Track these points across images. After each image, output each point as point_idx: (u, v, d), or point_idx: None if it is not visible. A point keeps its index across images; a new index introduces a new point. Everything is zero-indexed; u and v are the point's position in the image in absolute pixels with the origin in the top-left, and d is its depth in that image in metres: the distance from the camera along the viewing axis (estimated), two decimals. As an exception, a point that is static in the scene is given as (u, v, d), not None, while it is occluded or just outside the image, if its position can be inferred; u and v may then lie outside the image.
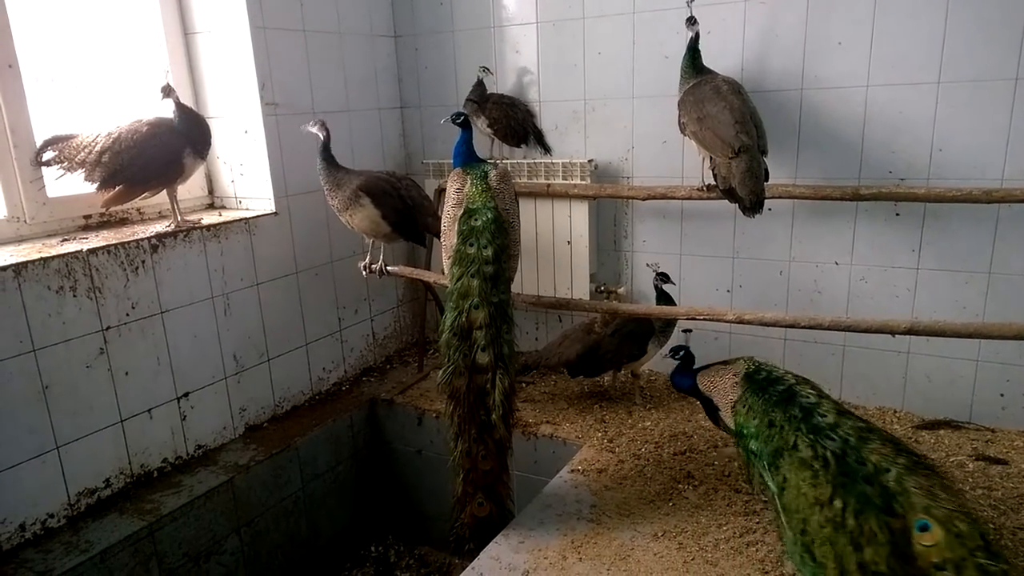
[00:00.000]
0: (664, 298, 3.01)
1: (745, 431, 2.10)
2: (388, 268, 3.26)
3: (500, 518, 2.47)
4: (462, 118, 2.69)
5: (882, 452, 1.78)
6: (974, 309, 2.84)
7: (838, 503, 1.71)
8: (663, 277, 3.00)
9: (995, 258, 2.77)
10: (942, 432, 2.89)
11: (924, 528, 1.59)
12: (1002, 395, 2.88)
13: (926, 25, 2.68)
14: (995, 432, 2.87)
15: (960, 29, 2.64)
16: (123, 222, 3.02)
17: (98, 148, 2.68)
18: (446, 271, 2.57)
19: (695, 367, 2.48)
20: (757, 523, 2.37)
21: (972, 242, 2.79)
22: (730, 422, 2.23)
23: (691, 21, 2.79)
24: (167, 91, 2.81)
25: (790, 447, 1.89)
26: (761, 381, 2.17)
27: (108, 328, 2.62)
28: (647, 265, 3.13)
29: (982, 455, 2.70)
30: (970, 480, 2.55)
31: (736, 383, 2.24)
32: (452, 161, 2.71)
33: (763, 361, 2.30)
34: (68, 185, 2.74)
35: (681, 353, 2.51)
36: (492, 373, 2.34)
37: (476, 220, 2.47)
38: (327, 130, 2.97)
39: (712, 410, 2.37)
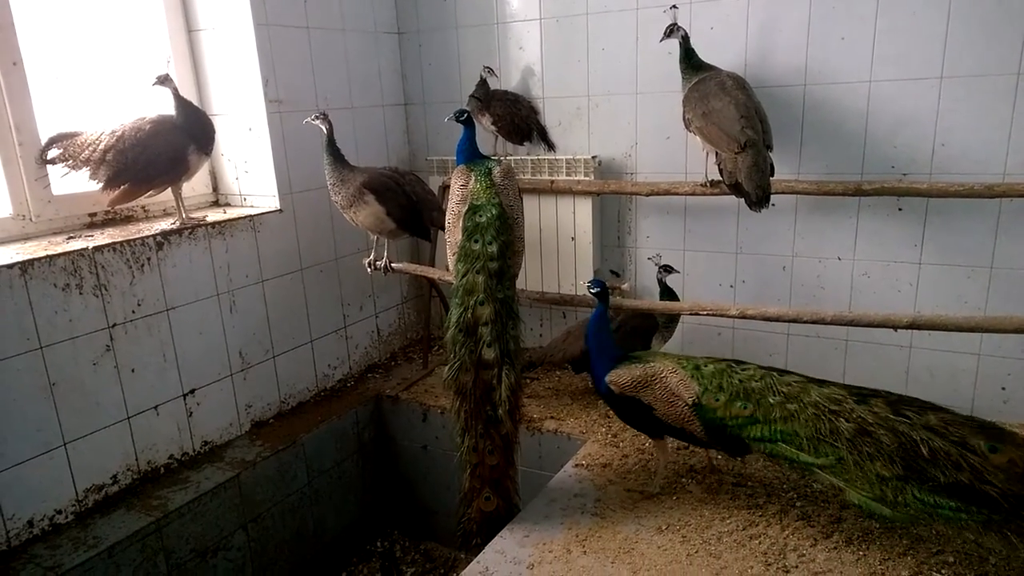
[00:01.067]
0: (668, 293, 3.02)
1: (733, 422, 2.20)
2: (393, 265, 3.27)
3: (507, 512, 2.49)
4: (465, 116, 2.70)
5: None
6: (976, 303, 2.85)
7: (926, 449, 1.92)
8: (667, 269, 3.00)
9: (997, 252, 2.78)
10: (945, 426, 2.91)
11: (994, 449, 1.88)
12: (1003, 388, 2.89)
13: (928, 20, 2.69)
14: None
15: (962, 24, 2.64)
16: (128, 219, 3.03)
17: (102, 146, 2.69)
18: (451, 267, 2.58)
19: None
20: (760, 516, 2.38)
21: (974, 237, 2.80)
22: (686, 421, 2.28)
23: (672, 30, 2.82)
24: (163, 80, 2.80)
25: (836, 422, 2.04)
26: (718, 373, 2.28)
27: (114, 325, 2.63)
28: (649, 259, 3.14)
29: (984, 449, 2.72)
30: (973, 473, 2.56)
31: (683, 380, 2.29)
32: (455, 158, 2.72)
33: (673, 353, 2.44)
34: (73, 183, 2.75)
35: (596, 291, 2.50)
36: (498, 369, 2.35)
37: (481, 216, 2.48)
38: (330, 123, 2.98)
39: (637, 411, 2.39)
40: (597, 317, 2.51)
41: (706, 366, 2.32)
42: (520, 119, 3.44)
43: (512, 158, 3.52)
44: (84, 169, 2.69)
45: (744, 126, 2.54)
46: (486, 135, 3.47)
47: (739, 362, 2.33)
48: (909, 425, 1.97)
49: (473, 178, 2.56)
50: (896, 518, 1.98)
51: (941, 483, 1.89)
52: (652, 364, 2.38)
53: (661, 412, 2.34)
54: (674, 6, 2.85)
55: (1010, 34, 2.58)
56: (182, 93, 2.87)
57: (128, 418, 2.70)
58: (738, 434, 2.20)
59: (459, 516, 2.52)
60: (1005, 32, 2.59)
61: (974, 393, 2.94)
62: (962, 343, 2.90)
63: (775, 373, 2.23)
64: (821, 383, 2.18)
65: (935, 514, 1.91)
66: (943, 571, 2.10)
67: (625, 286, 3.48)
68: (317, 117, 2.98)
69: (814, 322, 2.58)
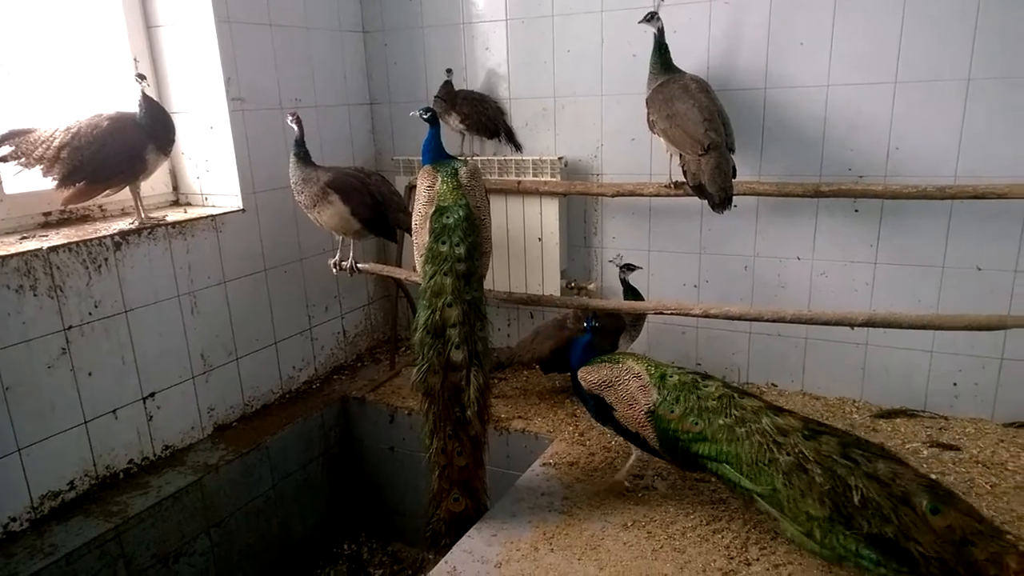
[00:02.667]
0: (632, 293, 3.05)
1: (684, 436, 2.19)
2: (359, 265, 3.25)
3: (476, 513, 2.49)
4: (430, 114, 2.70)
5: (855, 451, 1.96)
6: (929, 302, 2.94)
7: (857, 496, 1.85)
8: (629, 267, 3.04)
9: (948, 253, 2.87)
10: (898, 420, 3.00)
11: (936, 511, 1.79)
12: (955, 384, 2.99)
13: (884, 26, 2.77)
14: (948, 420, 2.98)
15: (916, 31, 2.73)
16: (85, 219, 2.96)
17: (56, 143, 2.62)
18: (418, 269, 2.57)
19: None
20: (723, 511, 2.42)
21: (927, 237, 2.89)
22: (640, 426, 2.30)
23: (651, 16, 2.82)
24: (141, 78, 2.79)
25: (776, 453, 2.00)
26: (681, 385, 2.26)
27: (70, 327, 2.57)
28: (610, 261, 3.18)
29: (936, 442, 2.80)
30: (925, 466, 2.65)
31: (645, 386, 2.30)
32: (421, 158, 2.71)
33: (650, 359, 2.41)
34: (27, 182, 2.68)
35: (593, 323, 2.57)
36: (467, 370, 2.35)
37: (448, 218, 2.47)
38: (300, 124, 2.95)
39: (601, 410, 2.42)
40: (585, 344, 2.55)
41: (672, 376, 2.30)
42: (487, 117, 3.45)
43: (479, 158, 3.52)
44: (38, 167, 2.62)
45: (707, 129, 2.59)
46: (453, 136, 3.47)
47: (706, 376, 2.32)
48: (849, 469, 1.89)
49: (439, 179, 2.55)
50: (823, 557, 1.92)
51: (864, 532, 1.82)
52: (621, 365, 2.40)
53: (620, 414, 2.36)
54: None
55: (961, 41, 2.67)
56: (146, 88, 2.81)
57: (85, 422, 2.64)
58: (687, 448, 2.20)
59: (428, 517, 2.52)
60: (956, 38, 2.68)
61: (927, 389, 3.04)
62: (916, 340, 2.99)
63: (736, 394, 2.20)
64: (779, 411, 2.12)
65: (858, 563, 1.84)
66: (899, 561, 2.16)
67: (592, 286, 3.51)
68: (290, 118, 2.95)
69: (775, 320, 2.63)
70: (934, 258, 2.90)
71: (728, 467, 2.09)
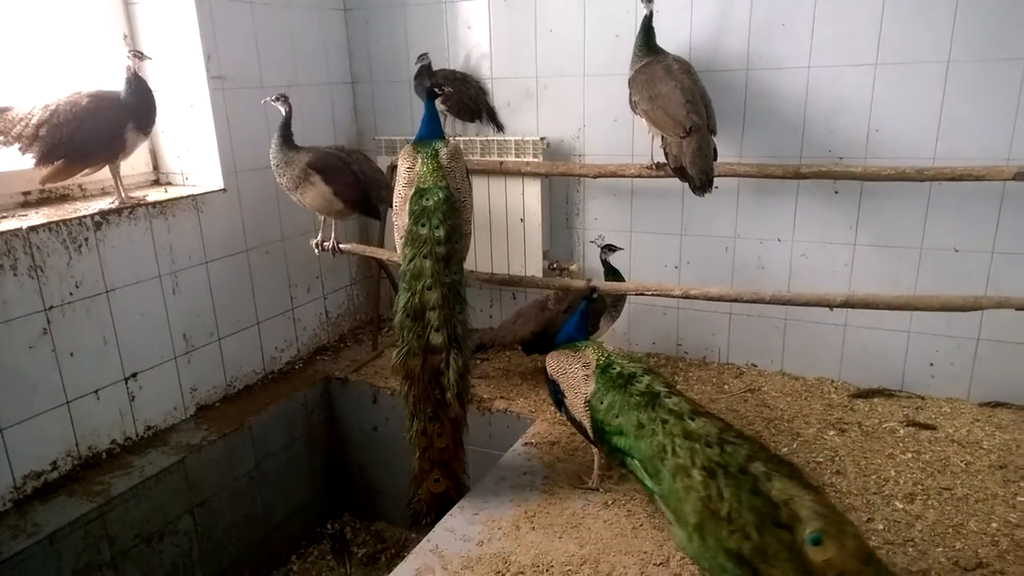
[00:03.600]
0: (613, 273, 3.07)
1: (608, 428, 2.17)
2: (341, 246, 3.24)
3: (456, 493, 2.52)
4: (430, 89, 2.65)
5: (766, 463, 1.80)
6: (907, 283, 2.98)
7: (726, 508, 1.73)
8: (609, 248, 3.04)
9: (926, 234, 2.90)
10: (876, 400, 3.04)
11: (816, 542, 1.60)
12: (931, 364, 3.04)
13: (864, 7, 2.77)
14: (925, 399, 3.03)
15: (896, 12, 2.74)
16: (64, 199, 2.93)
17: (35, 121, 2.59)
18: (398, 251, 2.57)
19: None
20: (703, 489, 2.46)
21: (905, 219, 2.93)
22: (582, 415, 2.29)
23: None
24: (139, 55, 2.78)
25: (670, 453, 1.92)
26: (616, 377, 2.22)
27: (51, 308, 2.55)
28: (591, 241, 3.18)
29: (912, 421, 2.86)
30: (901, 445, 2.70)
31: (588, 376, 2.30)
32: (417, 132, 2.66)
33: (611, 351, 2.38)
34: (5, 160, 2.65)
35: (594, 296, 2.61)
36: (446, 353, 2.36)
37: (427, 200, 2.46)
38: (289, 105, 2.93)
39: (557, 396, 2.44)
40: (580, 313, 2.59)
41: (614, 368, 2.27)
42: (469, 98, 3.43)
43: (461, 138, 3.51)
44: (15, 145, 2.59)
45: (689, 111, 2.59)
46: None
47: (650, 371, 2.24)
48: (735, 483, 1.75)
49: (419, 160, 2.53)
50: (701, 566, 1.83)
51: (725, 547, 1.70)
52: (579, 354, 2.39)
53: (568, 402, 2.36)
54: None
55: (940, 22, 2.68)
56: (120, 67, 2.78)
57: (67, 403, 2.63)
58: (610, 441, 2.18)
59: (410, 497, 2.54)
60: (936, 20, 2.69)
61: (904, 369, 3.09)
62: (893, 321, 3.04)
63: (664, 393, 2.10)
64: (697, 415, 2.00)
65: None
66: (873, 538, 2.21)
67: (573, 267, 3.52)
68: (277, 98, 2.92)
69: (754, 301, 2.66)
70: (912, 240, 2.93)
71: (636, 463, 2.05)
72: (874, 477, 2.52)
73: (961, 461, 2.59)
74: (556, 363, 2.44)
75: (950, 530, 2.24)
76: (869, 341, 3.12)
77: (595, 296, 2.63)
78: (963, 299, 2.45)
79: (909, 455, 2.64)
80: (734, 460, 1.81)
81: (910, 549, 2.17)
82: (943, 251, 2.90)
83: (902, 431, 2.80)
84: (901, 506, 2.36)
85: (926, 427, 2.81)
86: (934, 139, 2.79)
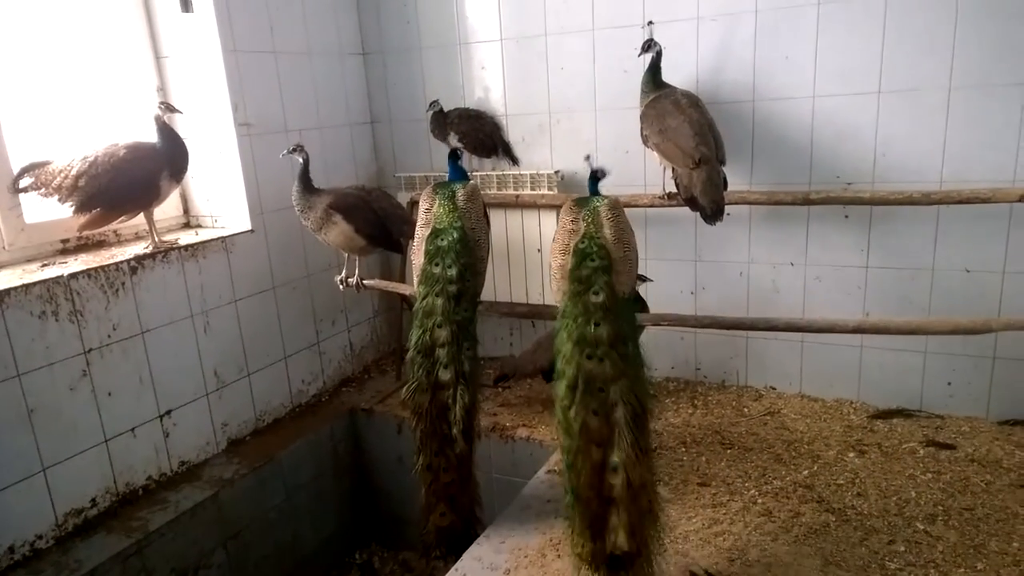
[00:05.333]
0: (635, 301, 3.11)
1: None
2: (364, 282, 3.33)
3: (464, 525, 2.56)
4: (451, 153, 2.77)
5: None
6: (920, 303, 3.01)
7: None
8: (641, 278, 3.06)
9: (937, 256, 2.94)
10: (895, 420, 3.06)
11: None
12: (949, 383, 3.06)
13: (865, 39, 2.85)
14: (944, 419, 3.05)
15: (897, 43, 2.81)
16: (100, 244, 3.06)
17: (74, 172, 2.72)
18: (416, 289, 2.65)
19: None
20: (724, 514, 2.50)
21: (915, 241, 2.97)
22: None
23: (649, 45, 2.93)
24: (171, 108, 2.93)
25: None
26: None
27: (90, 350, 2.67)
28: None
29: (932, 441, 2.87)
30: (921, 465, 2.72)
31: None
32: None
33: None
34: (45, 211, 2.79)
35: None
36: (453, 389, 2.41)
37: (442, 240, 2.52)
38: (306, 154, 3.03)
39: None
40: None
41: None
42: (484, 134, 3.54)
43: (478, 174, 3.62)
44: (55, 196, 2.72)
45: (698, 143, 2.68)
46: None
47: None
48: (589, 388, 2.05)
49: (437, 202, 2.59)
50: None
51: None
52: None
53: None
54: (651, 22, 2.99)
55: (940, 51, 2.75)
56: (151, 118, 2.92)
57: (106, 441, 2.73)
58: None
59: (421, 528, 2.60)
60: (936, 49, 2.76)
61: (922, 389, 3.10)
62: (909, 342, 3.06)
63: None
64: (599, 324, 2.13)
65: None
66: (895, 560, 2.24)
67: (591, 296, 3.57)
68: (294, 150, 3.01)
69: (768, 329, 2.69)
70: (923, 261, 2.97)
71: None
72: (895, 498, 2.54)
73: (981, 480, 2.60)
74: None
75: (971, 551, 2.26)
76: (886, 362, 3.15)
77: (601, 177, 2.61)
78: (973, 322, 2.46)
79: (929, 475, 2.66)
80: (603, 374, 2.05)
81: (932, 571, 2.19)
82: (954, 272, 2.93)
83: (922, 451, 2.81)
84: (922, 527, 2.38)
85: (946, 447, 2.83)
86: (940, 163, 2.84)
